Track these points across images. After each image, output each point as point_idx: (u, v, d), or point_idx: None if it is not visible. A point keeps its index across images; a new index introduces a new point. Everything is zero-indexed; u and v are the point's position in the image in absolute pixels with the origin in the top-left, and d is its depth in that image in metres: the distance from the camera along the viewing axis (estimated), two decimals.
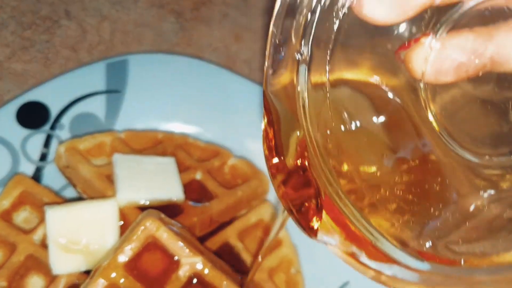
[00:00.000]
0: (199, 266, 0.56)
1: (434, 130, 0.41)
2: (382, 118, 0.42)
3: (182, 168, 0.68)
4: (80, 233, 0.59)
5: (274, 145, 0.40)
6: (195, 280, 0.57)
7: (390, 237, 0.40)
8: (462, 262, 0.39)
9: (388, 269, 0.39)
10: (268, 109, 0.40)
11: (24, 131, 0.70)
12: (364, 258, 0.40)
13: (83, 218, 0.59)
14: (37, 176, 0.68)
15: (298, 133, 0.40)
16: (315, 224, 0.40)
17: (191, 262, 0.56)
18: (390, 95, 0.42)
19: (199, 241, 0.62)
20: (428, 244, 0.40)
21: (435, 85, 0.40)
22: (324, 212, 0.40)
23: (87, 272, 0.60)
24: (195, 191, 0.67)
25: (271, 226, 0.68)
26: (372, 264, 0.40)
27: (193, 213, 0.64)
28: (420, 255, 0.39)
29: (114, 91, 0.74)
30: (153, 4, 0.86)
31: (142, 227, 0.56)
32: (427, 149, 0.42)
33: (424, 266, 0.39)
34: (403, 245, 0.40)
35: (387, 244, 0.40)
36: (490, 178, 0.41)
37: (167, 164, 0.66)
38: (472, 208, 0.41)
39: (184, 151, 0.71)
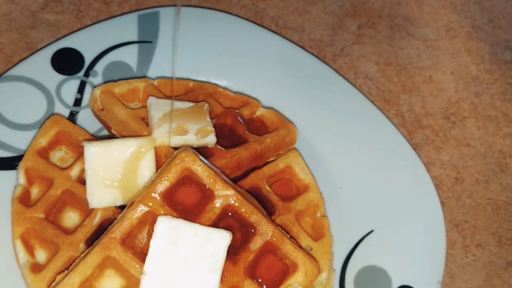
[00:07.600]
0: (232, 199, 0.58)
1: None
2: None
3: (212, 115, 0.69)
4: (117, 168, 0.60)
5: None
6: (228, 213, 0.58)
7: None
8: None
9: None
10: None
11: (59, 77, 0.72)
12: None
13: (121, 154, 0.60)
14: (71, 120, 0.70)
15: None
16: None
17: (224, 195, 0.58)
18: None
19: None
20: None
21: None
22: None
23: (122, 208, 0.61)
24: (226, 137, 0.68)
25: (298, 172, 0.69)
26: None
27: (223, 156, 0.66)
28: None
29: (146, 41, 0.76)
30: None
31: (179, 160, 0.58)
32: None
33: None
34: None
35: None
36: None
37: (200, 107, 0.67)
38: None
39: (215, 100, 0.72)
